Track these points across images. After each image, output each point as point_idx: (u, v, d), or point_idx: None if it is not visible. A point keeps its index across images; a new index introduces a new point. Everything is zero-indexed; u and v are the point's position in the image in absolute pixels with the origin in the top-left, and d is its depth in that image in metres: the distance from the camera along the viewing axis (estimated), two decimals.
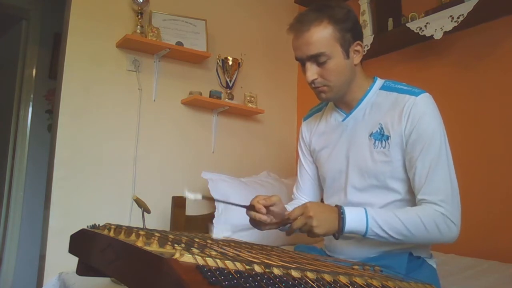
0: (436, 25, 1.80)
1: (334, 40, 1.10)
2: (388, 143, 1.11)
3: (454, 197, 1.05)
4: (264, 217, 1.07)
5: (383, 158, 1.11)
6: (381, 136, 1.12)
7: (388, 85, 1.18)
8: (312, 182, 1.37)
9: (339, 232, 1.02)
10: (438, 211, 1.03)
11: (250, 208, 1.08)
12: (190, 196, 0.96)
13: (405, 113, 1.08)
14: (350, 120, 1.21)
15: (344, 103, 1.22)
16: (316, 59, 1.10)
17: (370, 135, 1.14)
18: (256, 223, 1.11)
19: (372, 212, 1.03)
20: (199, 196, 0.98)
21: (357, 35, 1.14)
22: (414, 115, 1.07)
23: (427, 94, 1.11)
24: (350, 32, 1.12)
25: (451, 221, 1.03)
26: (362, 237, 1.05)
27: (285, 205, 1.21)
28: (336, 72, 1.11)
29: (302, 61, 1.14)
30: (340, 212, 1.02)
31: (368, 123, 1.16)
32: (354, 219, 1.02)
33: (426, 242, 1.10)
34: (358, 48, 1.15)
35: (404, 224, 1.02)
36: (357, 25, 1.16)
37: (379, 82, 1.20)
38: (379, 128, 1.13)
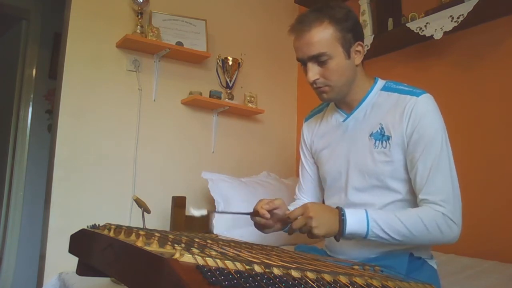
0: (436, 25, 1.80)
1: (335, 40, 1.10)
2: (389, 143, 1.11)
3: (455, 197, 1.05)
4: (269, 222, 1.13)
5: (384, 158, 1.11)
6: (381, 136, 1.12)
7: (389, 86, 1.18)
8: (313, 183, 1.37)
9: (340, 234, 1.02)
10: (439, 211, 1.03)
11: (255, 214, 1.13)
12: (195, 213, 1.07)
13: (406, 113, 1.08)
14: (351, 120, 1.21)
15: (345, 103, 1.22)
16: (317, 59, 1.10)
17: (371, 135, 1.14)
18: (261, 227, 1.16)
19: (373, 214, 1.03)
20: (204, 212, 1.11)
21: (358, 36, 1.14)
22: (415, 115, 1.07)
23: (428, 94, 1.11)
24: (351, 32, 1.12)
25: (452, 221, 1.03)
26: (363, 239, 1.05)
27: (288, 206, 1.21)
28: (337, 72, 1.12)
29: (304, 62, 1.14)
30: (340, 214, 1.02)
31: (368, 123, 1.16)
32: (355, 221, 1.01)
33: (427, 243, 1.10)
34: (359, 48, 1.15)
35: (405, 225, 1.02)
36: (358, 25, 1.16)
37: (380, 82, 1.20)
38: (379, 128, 1.13)
